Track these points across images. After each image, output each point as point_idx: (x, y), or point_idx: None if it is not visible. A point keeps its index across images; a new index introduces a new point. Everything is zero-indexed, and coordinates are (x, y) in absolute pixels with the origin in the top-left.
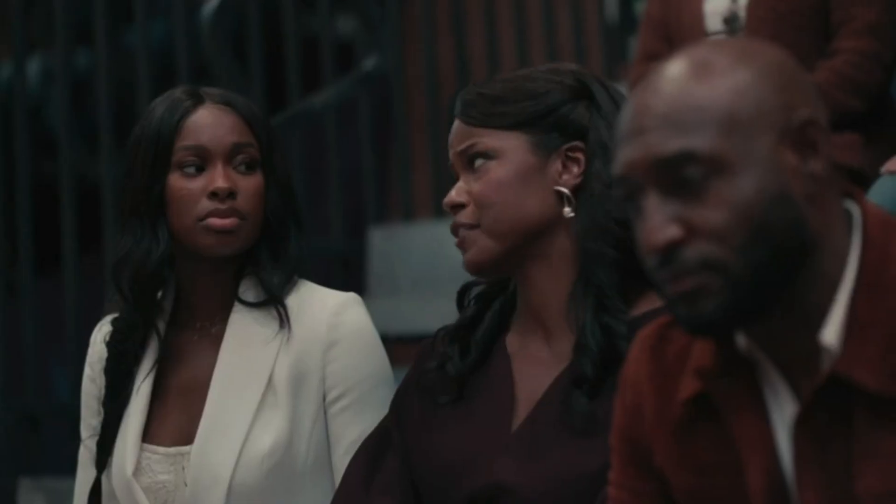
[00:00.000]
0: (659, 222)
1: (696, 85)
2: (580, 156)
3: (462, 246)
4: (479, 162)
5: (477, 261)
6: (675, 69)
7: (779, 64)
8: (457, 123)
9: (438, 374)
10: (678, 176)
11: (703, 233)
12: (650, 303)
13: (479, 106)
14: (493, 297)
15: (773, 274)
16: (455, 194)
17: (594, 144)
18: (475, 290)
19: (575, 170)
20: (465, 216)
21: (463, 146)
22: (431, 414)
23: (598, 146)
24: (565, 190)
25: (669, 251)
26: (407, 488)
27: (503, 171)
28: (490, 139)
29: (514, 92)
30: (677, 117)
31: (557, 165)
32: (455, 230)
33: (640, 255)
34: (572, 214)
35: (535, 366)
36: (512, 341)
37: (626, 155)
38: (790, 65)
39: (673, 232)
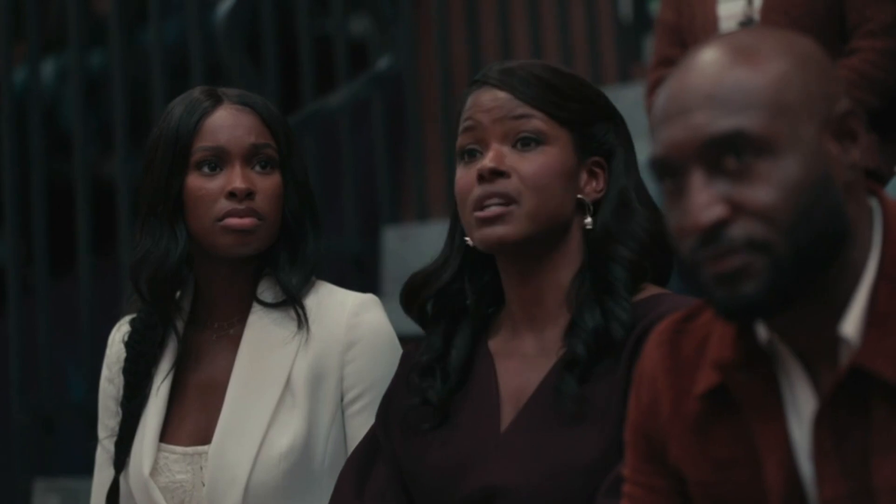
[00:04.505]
0: (705, 200)
1: (741, 67)
2: (601, 172)
3: (494, 217)
4: (530, 142)
5: (510, 237)
6: (715, 53)
7: (816, 55)
8: (495, 92)
9: (421, 409)
10: (726, 155)
11: (751, 211)
12: (646, 293)
13: (536, 87)
14: (453, 310)
15: (814, 258)
16: (497, 162)
17: (618, 165)
18: (428, 306)
19: (594, 184)
20: (509, 187)
21: (511, 116)
22: (418, 422)
23: (621, 166)
24: (587, 200)
25: (714, 230)
26: (399, 493)
27: (554, 159)
28: (546, 124)
29: (571, 89)
30: (725, 97)
31: (584, 174)
32: (489, 196)
33: (672, 238)
34: (591, 227)
35: (521, 363)
36: (495, 341)
37: (669, 135)
38: (825, 56)
39: (720, 210)
